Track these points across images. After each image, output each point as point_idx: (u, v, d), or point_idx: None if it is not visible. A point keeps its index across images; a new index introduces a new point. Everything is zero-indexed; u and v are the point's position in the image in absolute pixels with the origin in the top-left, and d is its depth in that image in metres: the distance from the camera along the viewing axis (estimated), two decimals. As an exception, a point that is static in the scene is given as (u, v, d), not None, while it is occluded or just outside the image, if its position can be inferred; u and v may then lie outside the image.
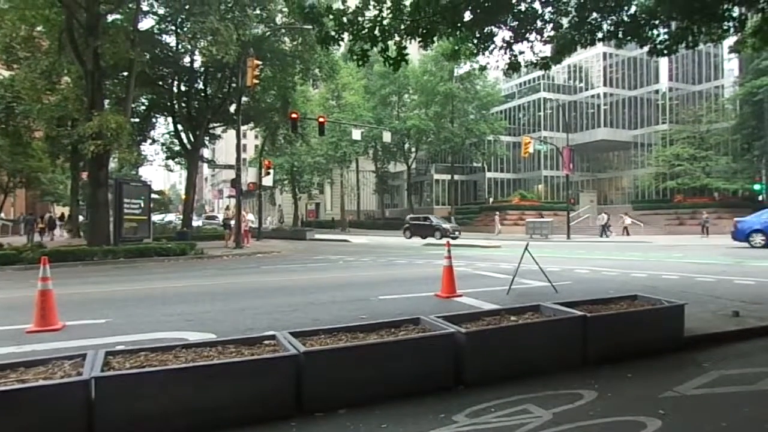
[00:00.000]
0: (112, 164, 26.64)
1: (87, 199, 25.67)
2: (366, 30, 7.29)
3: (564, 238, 30.25)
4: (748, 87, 36.15)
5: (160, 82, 26.99)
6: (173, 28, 24.73)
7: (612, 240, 29.44)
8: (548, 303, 5.12)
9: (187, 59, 27.08)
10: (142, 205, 19.35)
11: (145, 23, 24.77)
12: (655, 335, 4.91)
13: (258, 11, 23.89)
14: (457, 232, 30.85)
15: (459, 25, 7.64)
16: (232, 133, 34.06)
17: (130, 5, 20.45)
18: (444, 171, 49.98)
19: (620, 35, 8.15)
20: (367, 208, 59.16)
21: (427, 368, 3.93)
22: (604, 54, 49.22)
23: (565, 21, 8.40)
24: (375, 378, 3.75)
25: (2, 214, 38.53)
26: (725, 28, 7.99)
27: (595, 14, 8.14)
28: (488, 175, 52.48)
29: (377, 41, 7.42)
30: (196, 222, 40.77)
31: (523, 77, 51.65)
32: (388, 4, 7.32)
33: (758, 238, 19.41)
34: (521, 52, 8.81)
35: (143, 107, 29.23)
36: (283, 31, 25.26)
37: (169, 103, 28.11)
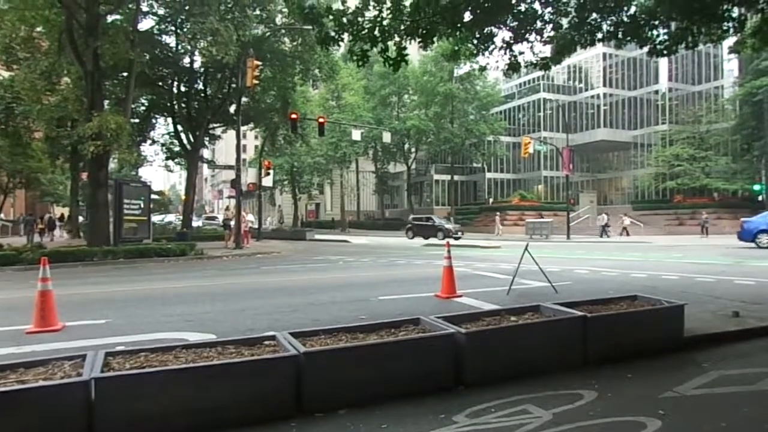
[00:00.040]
0: (112, 165, 26.63)
1: (87, 200, 25.62)
2: (366, 30, 7.30)
3: (564, 238, 30.25)
4: (748, 87, 36.16)
5: (160, 83, 26.97)
6: (173, 28, 24.75)
7: (612, 240, 29.43)
8: (548, 303, 5.12)
9: (186, 60, 27.09)
10: (142, 205, 19.33)
11: (145, 24, 24.85)
12: (655, 335, 4.91)
13: (258, 12, 23.92)
14: (459, 233, 30.86)
15: (459, 25, 7.64)
16: (231, 133, 34.12)
17: (130, 6, 20.45)
18: (444, 171, 49.97)
19: (620, 36, 8.15)
20: (367, 208, 59.12)
21: (427, 368, 3.92)
22: (604, 54, 49.22)
23: (564, 21, 8.40)
24: (375, 378, 3.75)
25: (2, 215, 38.50)
26: (725, 28, 7.99)
27: (594, 15, 8.15)
28: (488, 175, 52.45)
29: (377, 42, 7.42)
30: (196, 222, 40.70)
31: (522, 78, 51.64)
32: (388, 4, 7.32)
33: (765, 239, 19.66)
34: (521, 53, 8.82)
35: (143, 108, 29.19)
36: (283, 31, 25.26)
37: (168, 104, 28.10)
